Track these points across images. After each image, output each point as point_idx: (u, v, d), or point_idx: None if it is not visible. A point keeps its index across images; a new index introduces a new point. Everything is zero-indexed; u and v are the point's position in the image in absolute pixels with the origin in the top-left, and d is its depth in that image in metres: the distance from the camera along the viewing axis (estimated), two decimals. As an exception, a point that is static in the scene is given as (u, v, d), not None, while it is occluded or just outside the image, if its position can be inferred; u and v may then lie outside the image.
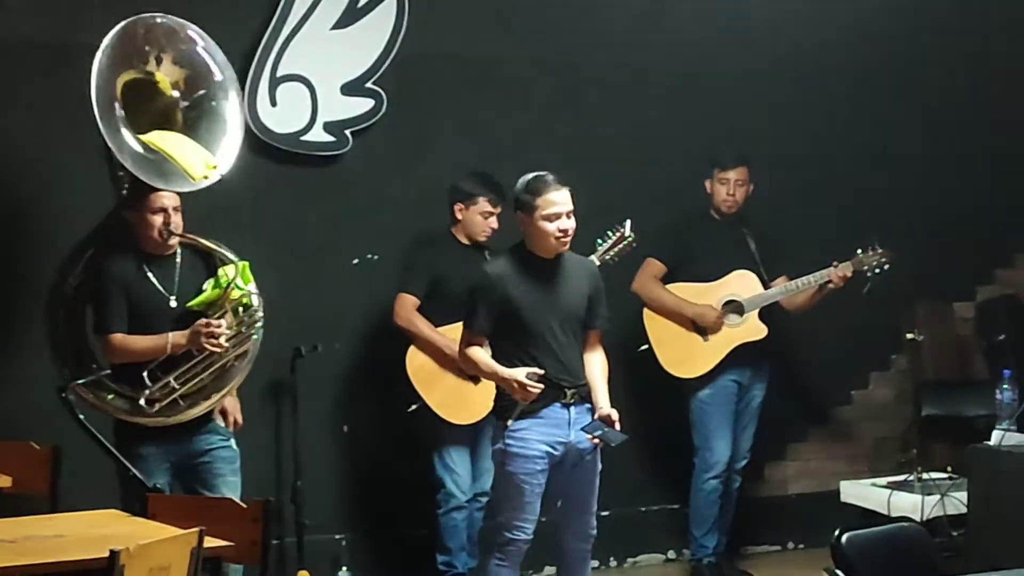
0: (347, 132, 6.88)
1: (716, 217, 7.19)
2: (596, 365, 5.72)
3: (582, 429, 5.54)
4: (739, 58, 7.56)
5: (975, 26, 8.01)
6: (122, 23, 5.48)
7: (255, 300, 5.68)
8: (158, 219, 5.57)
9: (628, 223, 6.43)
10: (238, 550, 4.38)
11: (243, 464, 5.80)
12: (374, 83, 6.90)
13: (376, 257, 6.96)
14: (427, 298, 6.56)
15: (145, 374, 5.54)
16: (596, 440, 5.54)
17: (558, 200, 5.54)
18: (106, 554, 3.76)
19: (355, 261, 6.96)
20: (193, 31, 5.72)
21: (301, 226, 6.86)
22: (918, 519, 6.43)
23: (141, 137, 5.55)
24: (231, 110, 5.78)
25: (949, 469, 7.01)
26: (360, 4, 6.86)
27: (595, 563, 6.51)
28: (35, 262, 6.27)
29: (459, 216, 6.62)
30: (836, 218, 7.71)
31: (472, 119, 7.16)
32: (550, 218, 5.54)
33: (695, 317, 7.01)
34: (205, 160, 5.64)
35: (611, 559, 7.50)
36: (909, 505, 6.75)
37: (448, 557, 6.64)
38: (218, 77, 5.76)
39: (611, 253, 6.43)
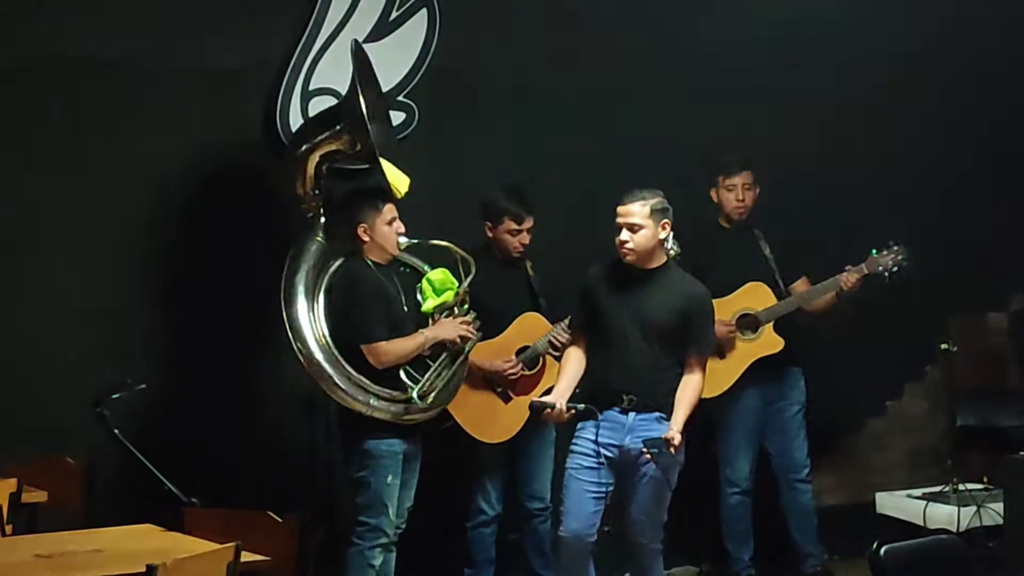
0: (379, 145, 6.89)
1: (725, 226, 7.13)
2: (685, 387, 5.81)
3: (643, 441, 5.66)
4: (756, 64, 7.53)
5: (1005, 32, 7.97)
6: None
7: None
8: (393, 229, 6.02)
9: None
10: (275, 564, 4.40)
11: (277, 480, 5.79)
12: (406, 96, 6.90)
13: (407, 271, 6.94)
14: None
15: (403, 373, 5.96)
16: (648, 455, 5.64)
17: (620, 212, 5.82)
18: (143, 569, 3.78)
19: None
20: None
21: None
22: (954, 530, 6.41)
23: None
24: None
25: (985, 480, 6.99)
26: (392, 17, 6.87)
27: (628, 576, 6.48)
28: (54, 277, 6.31)
29: (489, 234, 6.58)
30: (865, 227, 7.64)
31: (504, 132, 7.15)
32: (615, 229, 5.79)
33: None
34: (403, 179, 6.16)
35: (645, 571, 7.46)
36: (945, 516, 6.73)
37: (474, 570, 6.64)
38: None
39: None
